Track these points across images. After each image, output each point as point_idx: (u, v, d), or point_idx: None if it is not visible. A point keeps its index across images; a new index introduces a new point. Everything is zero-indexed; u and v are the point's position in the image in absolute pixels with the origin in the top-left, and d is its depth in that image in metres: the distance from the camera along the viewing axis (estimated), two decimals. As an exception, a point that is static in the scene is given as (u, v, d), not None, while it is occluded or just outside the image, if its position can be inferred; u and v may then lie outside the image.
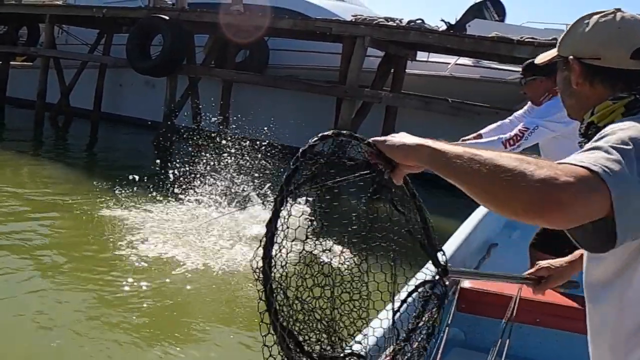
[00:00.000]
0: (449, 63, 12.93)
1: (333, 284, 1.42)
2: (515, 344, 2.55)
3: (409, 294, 1.43)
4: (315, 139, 1.24)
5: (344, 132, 1.30)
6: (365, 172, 1.36)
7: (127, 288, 5.27)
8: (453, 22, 13.77)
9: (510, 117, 4.06)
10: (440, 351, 2.28)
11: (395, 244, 1.50)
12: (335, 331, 1.38)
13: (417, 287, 1.47)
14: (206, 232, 6.67)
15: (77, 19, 15.51)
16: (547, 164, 1.01)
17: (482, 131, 3.96)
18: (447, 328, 2.50)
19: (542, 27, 13.93)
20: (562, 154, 1.17)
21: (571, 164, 1.01)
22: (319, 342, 1.31)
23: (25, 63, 18.89)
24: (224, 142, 8.47)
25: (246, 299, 5.13)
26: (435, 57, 13.09)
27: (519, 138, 3.38)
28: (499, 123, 4.05)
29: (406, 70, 12.86)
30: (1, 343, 4.24)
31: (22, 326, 4.48)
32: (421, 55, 12.97)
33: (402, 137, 1.24)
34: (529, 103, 3.90)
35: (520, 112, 4.00)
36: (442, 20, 13.72)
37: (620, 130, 1.08)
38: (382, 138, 1.28)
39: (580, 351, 2.72)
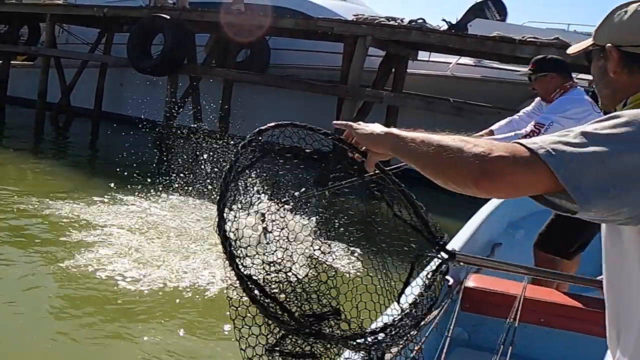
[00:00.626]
0: (450, 63, 12.92)
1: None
2: (520, 344, 2.52)
3: (410, 274, 1.43)
4: (269, 125, 1.36)
5: (298, 123, 1.42)
6: (355, 178, 1.52)
7: (125, 287, 5.24)
8: (454, 21, 13.77)
9: (519, 114, 4.03)
10: (444, 351, 2.26)
11: (387, 229, 1.51)
12: (308, 297, 1.41)
13: (412, 263, 1.45)
14: (205, 236, 6.65)
15: (78, 18, 15.51)
16: (485, 142, 1.09)
17: (493, 127, 3.94)
18: (451, 328, 2.47)
19: (544, 27, 13.96)
20: None
21: (519, 143, 1.07)
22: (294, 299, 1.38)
23: (25, 62, 18.90)
24: (222, 142, 8.45)
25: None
26: (437, 57, 13.08)
27: (535, 134, 3.36)
28: (508, 119, 4.02)
29: (407, 70, 12.83)
30: None
31: (15, 324, 4.47)
32: (422, 55, 12.95)
33: (372, 127, 1.37)
34: (537, 99, 3.87)
35: (529, 108, 3.96)
36: (444, 20, 13.76)
37: (613, 118, 1.07)
38: (354, 124, 1.41)
39: (585, 351, 2.71)
